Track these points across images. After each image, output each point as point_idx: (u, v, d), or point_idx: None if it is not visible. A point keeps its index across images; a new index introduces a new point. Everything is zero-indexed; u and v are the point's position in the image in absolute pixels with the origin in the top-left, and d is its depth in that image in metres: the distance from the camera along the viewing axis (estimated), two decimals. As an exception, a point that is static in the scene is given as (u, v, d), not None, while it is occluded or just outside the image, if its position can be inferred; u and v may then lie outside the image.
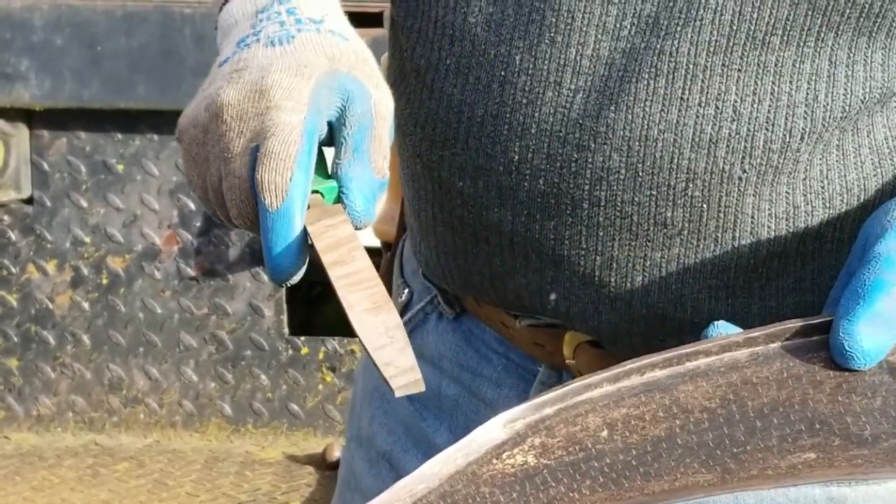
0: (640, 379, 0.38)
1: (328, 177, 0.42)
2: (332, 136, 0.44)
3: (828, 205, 0.50)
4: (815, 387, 0.44)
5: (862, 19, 0.47)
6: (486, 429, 0.42)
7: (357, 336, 0.38)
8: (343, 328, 1.50)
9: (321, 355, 1.72)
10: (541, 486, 0.36)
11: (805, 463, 0.36)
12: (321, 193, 0.41)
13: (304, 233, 0.39)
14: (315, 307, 1.82)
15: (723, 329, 0.39)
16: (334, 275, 0.38)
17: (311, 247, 0.39)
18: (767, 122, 0.47)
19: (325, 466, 1.60)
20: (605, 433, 0.37)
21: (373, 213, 0.47)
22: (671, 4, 0.47)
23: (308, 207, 0.40)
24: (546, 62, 0.50)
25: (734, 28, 0.46)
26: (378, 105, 0.45)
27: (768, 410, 0.38)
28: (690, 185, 0.48)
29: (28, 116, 1.61)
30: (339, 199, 0.42)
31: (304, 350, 1.71)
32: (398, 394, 0.40)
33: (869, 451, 0.35)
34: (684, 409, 0.38)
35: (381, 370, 0.37)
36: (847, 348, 0.42)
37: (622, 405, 0.40)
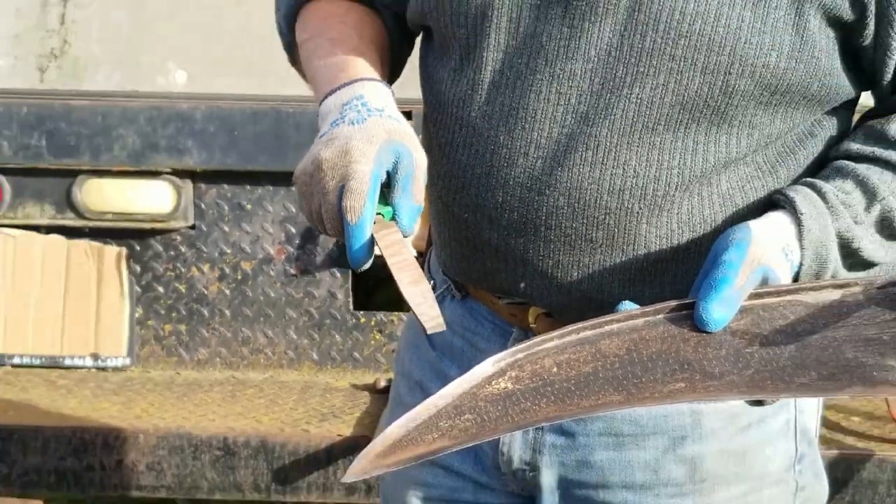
0: (577, 336, 0.56)
1: (387, 204, 0.65)
2: (390, 180, 0.66)
3: (692, 230, 0.75)
4: (684, 342, 0.56)
5: (713, 116, 0.72)
6: (481, 367, 0.53)
7: (404, 299, 0.58)
8: (388, 305, 1.87)
9: (373, 323, 2.03)
10: (515, 402, 0.53)
11: (678, 390, 0.54)
12: (382, 215, 0.64)
13: (372, 239, 0.61)
14: (370, 293, 2.15)
15: (627, 306, 0.62)
16: (390, 262, 0.60)
17: (376, 247, 0.62)
18: (655, 179, 0.73)
19: (375, 392, 1.93)
20: (555, 370, 0.55)
21: (414, 228, 0.68)
22: (595, 105, 0.73)
23: (374, 223, 0.62)
24: (519, 141, 0.75)
25: (635, 121, 0.72)
26: (417, 161, 0.68)
27: (655, 357, 0.56)
28: (607, 217, 0.73)
29: (192, 175, 1.94)
30: (393, 218, 0.65)
31: (363, 320, 2.03)
32: (429, 332, 0.56)
33: (718, 383, 0.55)
34: (604, 355, 0.56)
35: (419, 318, 0.57)
36: (704, 319, 0.58)
37: (565, 352, 0.55)
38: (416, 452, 0.63)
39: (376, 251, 0.69)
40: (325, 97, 0.82)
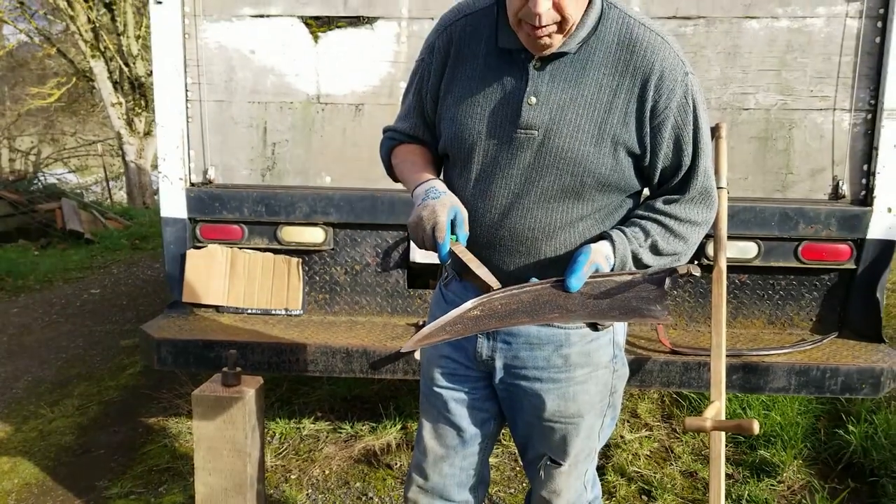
0: (510, 292, 1.38)
1: (453, 233, 1.42)
2: (453, 223, 1.42)
3: (565, 247, 1.48)
4: (559, 296, 1.36)
5: (575, 195, 1.45)
6: (464, 304, 1.37)
7: (472, 272, 1.43)
8: (423, 286, 2.96)
9: (416, 294, 3.01)
10: (479, 320, 1.36)
11: (555, 317, 1.37)
12: (454, 238, 1.42)
13: (450, 249, 1.41)
14: (413, 281, 3.03)
15: (534, 280, 1.40)
16: (464, 258, 1.43)
17: (453, 254, 1.43)
18: (549, 224, 1.46)
19: (417, 326, 2.89)
20: (498, 306, 1.36)
21: (465, 242, 1.45)
22: (522, 189, 1.47)
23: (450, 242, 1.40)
24: (488, 205, 1.50)
25: (540, 196, 1.45)
26: (464, 214, 1.45)
27: (545, 302, 1.36)
28: (527, 241, 1.48)
29: (332, 224, 2.89)
30: (457, 240, 1.42)
31: (411, 293, 2.99)
32: (492, 285, 1.40)
33: (574, 314, 1.36)
34: (521, 301, 1.36)
35: (484, 278, 1.42)
36: (569, 285, 1.36)
37: (503, 300, 1.37)
38: (436, 339, 1.33)
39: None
40: (415, 187, 1.49)
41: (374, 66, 2.92)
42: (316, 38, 2.96)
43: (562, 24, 1.36)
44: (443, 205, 1.42)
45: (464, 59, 1.50)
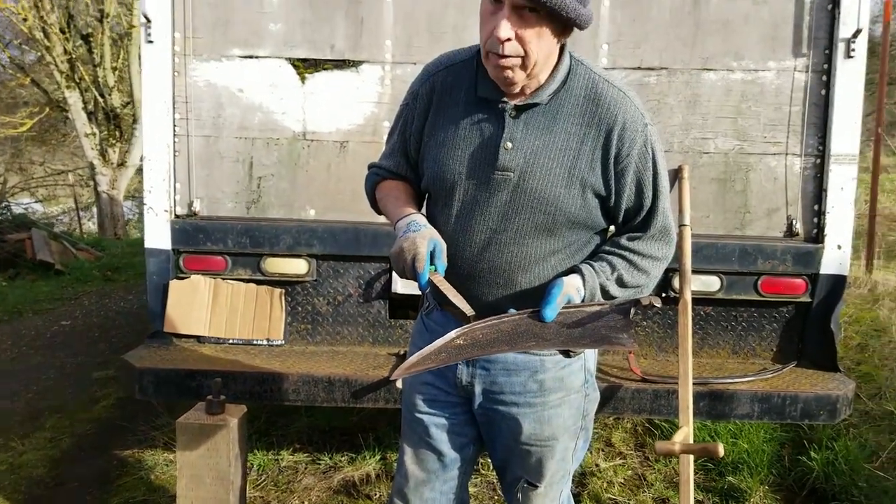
0: (490, 322, 1.48)
1: (432, 264, 1.51)
2: (432, 254, 1.51)
3: (539, 279, 1.61)
4: (535, 325, 1.47)
5: (548, 232, 1.58)
6: (448, 334, 1.48)
7: (450, 301, 1.51)
8: (404, 316, 3.07)
9: (398, 324, 3.11)
10: (462, 349, 1.46)
11: (531, 345, 1.48)
12: (433, 268, 1.51)
13: (429, 279, 1.50)
14: (394, 311, 3.11)
15: (512, 311, 1.51)
16: (441, 287, 1.50)
17: (431, 282, 1.50)
18: (524, 258, 1.60)
19: (398, 356, 2.97)
20: (479, 335, 1.47)
21: (443, 272, 1.53)
22: (499, 226, 1.60)
23: (429, 272, 1.49)
24: (468, 240, 1.62)
25: (516, 232, 1.58)
26: (443, 246, 1.55)
27: (522, 331, 1.47)
28: (504, 274, 1.61)
29: (316, 256, 3.01)
30: (436, 270, 1.51)
31: (393, 322, 3.09)
32: (467, 313, 1.48)
33: (548, 342, 1.48)
34: (501, 330, 1.47)
35: (461, 306, 1.50)
36: (544, 316, 1.47)
37: (484, 329, 1.47)
38: (422, 367, 1.44)
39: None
40: (398, 221, 1.59)
41: (358, 106, 3.06)
42: (303, 78, 3.10)
43: (525, 60, 1.47)
44: (423, 237, 1.51)
45: (445, 106, 1.62)
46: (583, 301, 1.54)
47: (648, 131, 1.56)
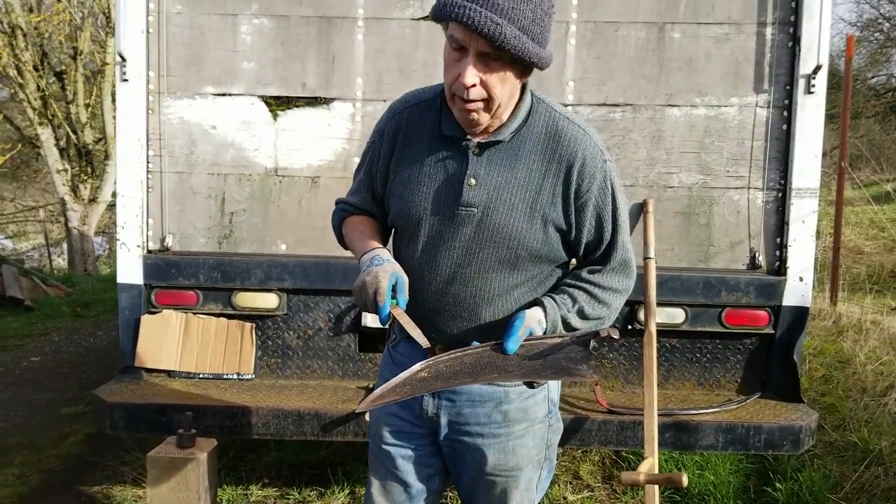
0: (453, 355, 1.52)
1: (394, 298, 1.55)
2: (394, 289, 1.54)
3: (502, 312, 1.64)
4: (497, 357, 1.51)
5: (510, 266, 1.62)
6: (413, 367, 1.51)
7: (407, 333, 1.57)
8: (373, 350, 3.10)
9: (367, 357, 3.13)
10: (426, 381, 1.48)
11: (494, 377, 1.51)
12: (394, 302, 1.55)
13: (389, 312, 1.53)
14: (363, 344, 3.15)
15: (475, 343, 1.55)
16: (401, 320, 1.56)
17: (391, 316, 1.54)
18: (487, 291, 1.63)
19: (367, 389, 3.00)
20: (444, 368, 1.51)
21: (404, 306, 1.57)
22: (463, 260, 1.63)
23: (390, 306, 1.53)
24: (433, 273, 1.66)
25: (479, 267, 1.62)
26: (405, 280, 1.58)
27: (485, 364, 1.50)
28: (468, 307, 1.64)
29: (286, 290, 3.04)
30: (397, 303, 1.55)
31: (362, 355, 3.11)
32: (423, 345, 1.55)
33: (510, 374, 1.50)
34: (464, 363, 1.51)
35: (417, 339, 1.56)
36: (506, 348, 1.51)
37: (448, 362, 1.52)
38: (387, 399, 1.45)
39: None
40: (362, 255, 1.63)
41: (329, 142, 3.14)
42: (275, 115, 3.16)
43: (489, 103, 1.51)
44: (385, 271, 1.55)
45: (410, 143, 1.66)
46: (545, 333, 1.57)
47: (608, 167, 1.61)
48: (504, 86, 1.50)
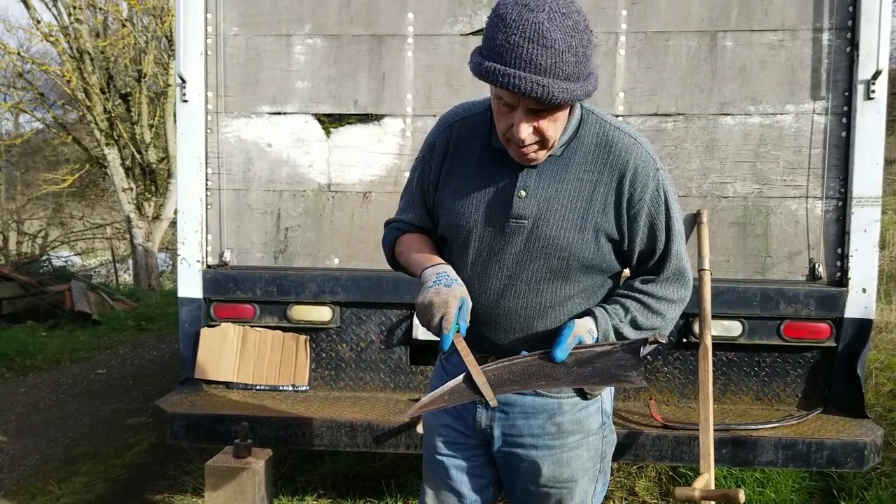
0: (502, 364, 1.53)
1: (457, 322, 1.51)
2: (460, 312, 1.52)
3: (554, 323, 1.62)
4: (546, 366, 1.51)
5: (562, 277, 1.60)
6: (461, 376, 1.53)
7: (471, 371, 1.53)
8: (425, 363, 3.15)
9: (418, 370, 3.17)
10: (475, 391, 1.50)
11: (542, 384, 1.52)
12: (458, 327, 1.51)
13: (451, 341, 1.52)
14: (415, 357, 3.18)
15: (524, 353, 1.54)
16: (465, 359, 1.55)
17: (454, 345, 1.52)
18: (539, 303, 1.61)
19: (416, 401, 3.28)
20: (492, 377, 1.52)
21: (465, 332, 1.55)
22: (515, 272, 1.62)
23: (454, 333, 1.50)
24: (484, 286, 1.64)
25: (531, 278, 1.60)
26: (469, 304, 1.56)
27: (534, 372, 1.51)
28: (520, 319, 1.62)
29: (339, 303, 3.09)
30: (458, 329, 1.52)
31: (413, 368, 3.14)
32: (490, 402, 1.51)
33: (559, 382, 1.51)
34: (512, 371, 1.52)
35: (479, 385, 1.52)
36: (555, 357, 1.50)
37: (497, 370, 1.53)
38: (435, 406, 1.52)
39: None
40: (425, 269, 1.60)
41: (380, 157, 3.18)
42: (328, 132, 3.23)
43: (543, 142, 1.52)
44: (454, 296, 1.52)
45: (460, 156, 1.66)
46: (596, 341, 1.56)
47: (661, 175, 1.59)
48: (556, 125, 1.51)
